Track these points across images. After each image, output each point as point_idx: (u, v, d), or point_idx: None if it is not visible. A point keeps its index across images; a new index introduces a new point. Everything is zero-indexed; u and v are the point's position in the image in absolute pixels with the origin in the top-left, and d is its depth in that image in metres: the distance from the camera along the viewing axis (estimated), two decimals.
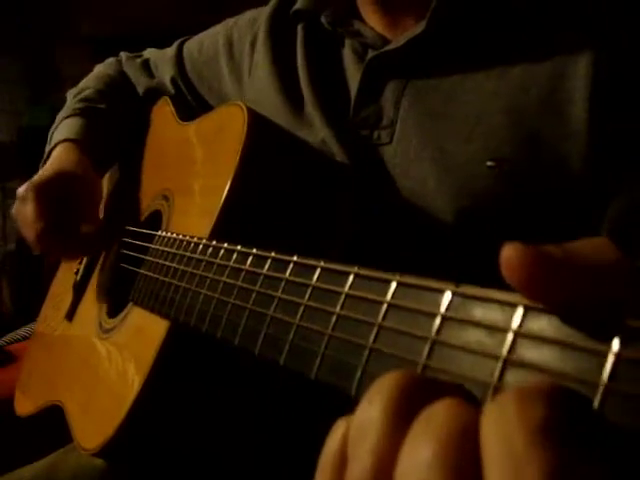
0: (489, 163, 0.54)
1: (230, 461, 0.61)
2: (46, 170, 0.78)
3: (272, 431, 0.61)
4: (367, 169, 0.61)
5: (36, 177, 0.77)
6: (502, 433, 0.20)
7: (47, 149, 0.86)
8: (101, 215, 0.85)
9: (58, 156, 0.82)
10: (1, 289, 3.10)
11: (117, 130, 0.89)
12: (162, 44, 0.96)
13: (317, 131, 0.65)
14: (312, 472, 0.26)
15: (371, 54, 0.64)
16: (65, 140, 0.84)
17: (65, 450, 0.71)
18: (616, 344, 0.20)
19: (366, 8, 0.67)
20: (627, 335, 0.20)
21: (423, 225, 0.57)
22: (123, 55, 0.99)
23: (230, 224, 0.54)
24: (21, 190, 0.75)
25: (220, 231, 0.53)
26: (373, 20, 0.66)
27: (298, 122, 0.68)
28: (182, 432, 0.57)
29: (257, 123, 0.58)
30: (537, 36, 0.56)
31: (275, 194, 0.57)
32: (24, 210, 0.75)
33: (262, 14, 0.79)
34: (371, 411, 0.23)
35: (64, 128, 0.86)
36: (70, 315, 0.82)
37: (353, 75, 0.66)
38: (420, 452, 0.21)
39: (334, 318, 0.32)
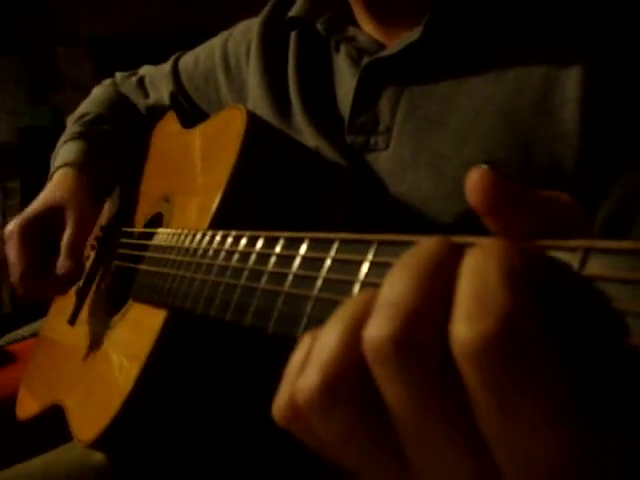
0: (483, 166, 0.54)
1: (227, 456, 0.61)
2: (37, 202, 0.78)
3: (269, 418, 0.61)
4: (362, 175, 0.61)
5: (24, 213, 0.76)
6: (479, 269, 0.21)
7: (51, 171, 0.85)
8: (98, 235, 0.84)
9: (53, 185, 0.81)
10: (1, 289, 3.11)
11: (121, 150, 0.88)
12: (162, 44, 0.97)
13: (307, 139, 0.66)
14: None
15: (367, 60, 0.64)
16: (65, 165, 0.83)
17: (61, 448, 0.71)
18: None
19: (361, 15, 0.67)
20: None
21: (419, 230, 0.57)
22: (118, 75, 0.99)
23: (227, 220, 0.54)
24: (7, 230, 0.75)
25: (217, 226, 0.53)
26: (369, 27, 0.66)
27: (288, 131, 0.68)
28: (178, 423, 0.58)
29: (256, 123, 0.59)
30: (531, 40, 0.56)
31: (272, 192, 0.58)
32: (8, 251, 0.74)
33: (255, 22, 0.79)
34: (331, 332, 0.25)
35: (64, 153, 0.85)
36: (72, 319, 0.83)
37: (348, 81, 0.66)
38: (398, 281, 0.23)
39: (320, 282, 0.33)
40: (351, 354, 0.23)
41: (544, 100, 0.53)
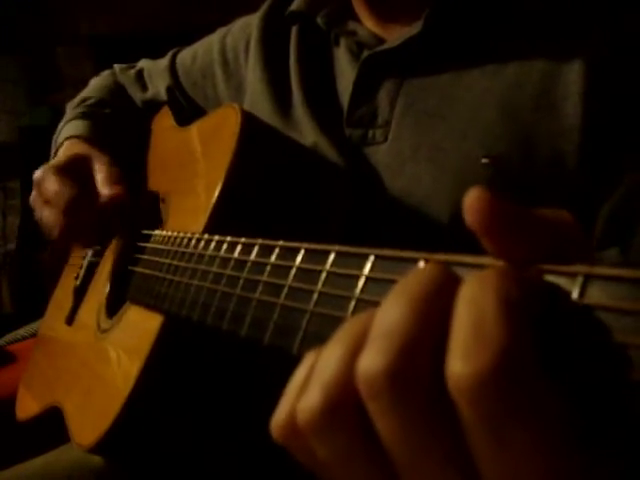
0: (484, 160, 0.54)
1: (224, 465, 0.61)
2: (59, 157, 0.76)
3: (267, 430, 0.61)
4: (360, 168, 0.61)
5: (48, 164, 0.74)
6: (476, 299, 0.21)
7: (52, 151, 0.85)
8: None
9: (67, 148, 0.80)
10: (1, 289, 3.11)
11: (121, 135, 0.88)
12: (162, 43, 0.96)
13: (307, 134, 0.65)
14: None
15: (366, 53, 0.64)
16: (71, 137, 0.82)
17: (61, 449, 0.71)
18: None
19: (361, 10, 0.67)
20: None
21: (418, 224, 0.57)
22: (117, 67, 0.98)
23: (223, 219, 0.54)
24: (38, 174, 0.72)
25: (214, 226, 0.54)
26: (369, 21, 0.66)
27: (287, 126, 0.68)
28: (177, 427, 0.58)
29: (250, 122, 0.59)
30: (532, 35, 0.56)
31: (269, 191, 0.57)
32: (43, 188, 0.71)
33: (255, 18, 0.79)
34: (331, 354, 0.24)
35: (69, 129, 0.85)
36: (70, 319, 0.82)
37: (348, 75, 0.66)
38: (393, 309, 0.22)
39: (315, 295, 0.33)
40: (350, 381, 0.23)
41: (545, 95, 0.53)
